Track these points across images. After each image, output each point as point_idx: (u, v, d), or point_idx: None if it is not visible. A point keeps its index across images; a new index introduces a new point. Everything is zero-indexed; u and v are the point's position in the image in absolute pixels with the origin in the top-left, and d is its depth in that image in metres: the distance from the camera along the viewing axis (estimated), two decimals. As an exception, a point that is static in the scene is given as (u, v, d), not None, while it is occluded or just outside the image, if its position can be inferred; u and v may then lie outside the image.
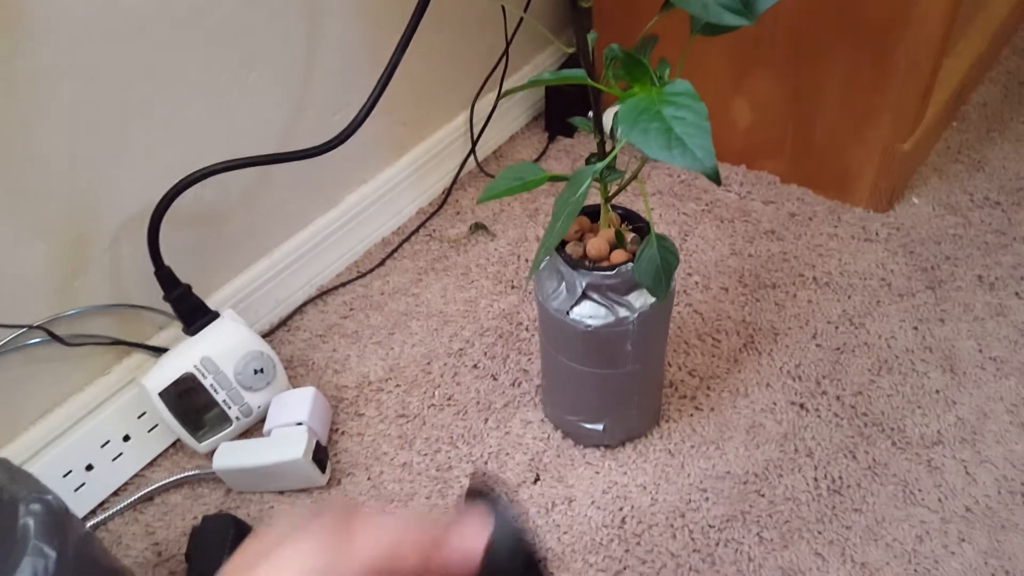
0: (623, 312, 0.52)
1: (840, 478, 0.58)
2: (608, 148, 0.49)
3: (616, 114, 0.47)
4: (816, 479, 0.58)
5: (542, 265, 0.54)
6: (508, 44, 0.82)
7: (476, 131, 0.87)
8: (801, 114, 0.78)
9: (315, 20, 0.66)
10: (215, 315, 0.62)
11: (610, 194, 0.52)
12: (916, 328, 0.68)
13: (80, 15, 0.51)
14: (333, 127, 0.69)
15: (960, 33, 0.87)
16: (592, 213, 0.55)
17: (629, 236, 0.54)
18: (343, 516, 0.22)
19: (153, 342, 0.65)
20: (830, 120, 0.76)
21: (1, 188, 0.51)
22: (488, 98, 0.87)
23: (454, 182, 0.87)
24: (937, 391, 0.64)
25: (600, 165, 0.40)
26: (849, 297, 0.71)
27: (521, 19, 0.80)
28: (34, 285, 0.56)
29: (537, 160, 0.90)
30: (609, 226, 0.54)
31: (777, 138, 0.81)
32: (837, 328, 0.69)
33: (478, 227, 0.82)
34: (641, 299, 0.52)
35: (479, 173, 0.89)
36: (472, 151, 0.87)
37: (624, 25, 0.82)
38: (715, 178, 0.30)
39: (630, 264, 0.51)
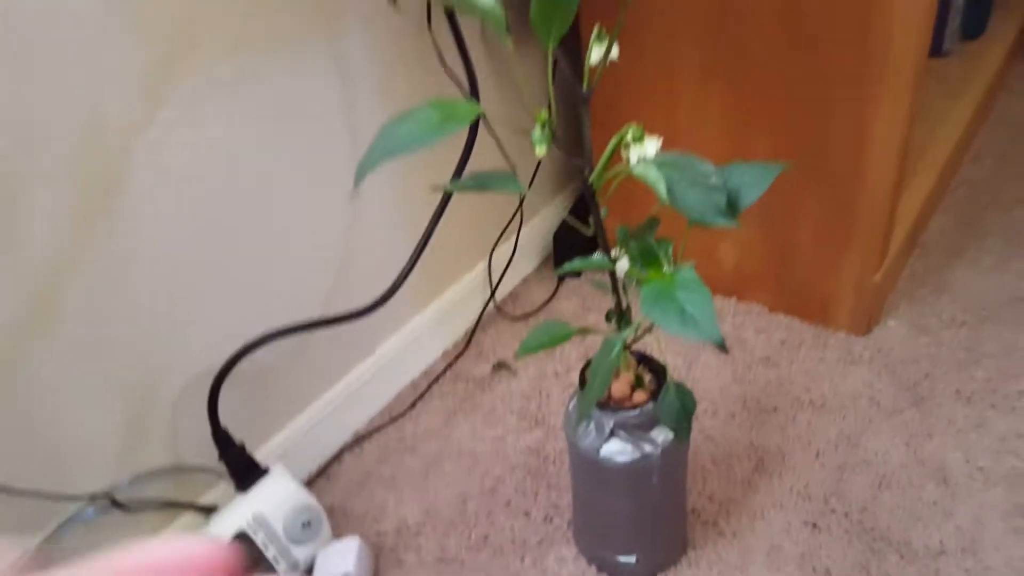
0: (648, 447, 0.58)
1: (858, 593, 0.63)
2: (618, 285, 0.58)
3: (617, 231, 0.56)
4: (836, 595, 0.63)
5: (572, 407, 0.61)
6: (521, 202, 0.93)
7: (495, 277, 0.97)
8: (780, 253, 0.88)
9: (357, 198, 0.77)
10: (265, 470, 0.68)
11: (628, 342, 0.60)
12: (907, 444, 0.75)
13: (170, 188, 0.61)
14: (371, 284, 0.78)
15: (911, 172, 1.00)
16: (611, 359, 0.63)
17: (647, 377, 0.61)
18: None
19: (204, 500, 0.70)
20: (806, 258, 0.86)
21: (83, 354, 0.59)
22: (502, 248, 0.98)
23: (476, 324, 0.95)
24: (934, 502, 0.69)
25: (625, 333, 0.48)
26: (844, 417, 0.78)
27: (532, 178, 0.92)
28: (101, 451, 0.62)
29: (549, 300, 0.99)
30: (629, 369, 0.62)
31: (761, 274, 0.91)
32: (837, 447, 0.75)
33: (501, 366, 0.90)
34: (663, 435, 0.59)
35: (497, 314, 0.98)
36: (492, 297, 0.96)
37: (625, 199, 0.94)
38: (722, 347, 0.38)
39: (651, 403, 0.58)
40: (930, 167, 1.02)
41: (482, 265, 0.96)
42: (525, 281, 1.03)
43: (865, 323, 0.87)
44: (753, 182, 0.45)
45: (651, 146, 0.48)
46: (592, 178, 0.50)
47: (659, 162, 0.44)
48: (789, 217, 0.85)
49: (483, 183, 0.52)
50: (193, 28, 0.58)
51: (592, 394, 0.47)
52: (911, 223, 0.94)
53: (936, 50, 1.26)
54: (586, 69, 0.48)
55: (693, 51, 0.81)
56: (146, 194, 0.59)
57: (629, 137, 0.48)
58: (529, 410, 0.84)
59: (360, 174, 0.39)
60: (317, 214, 0.73)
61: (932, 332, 0.87)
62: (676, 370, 0.86)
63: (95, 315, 0.58)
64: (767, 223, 0.87)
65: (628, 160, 0.48)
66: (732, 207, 0.44)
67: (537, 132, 0.43)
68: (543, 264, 1.06)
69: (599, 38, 0.46)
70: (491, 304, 0.97)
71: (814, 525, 0.68)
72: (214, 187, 0.63)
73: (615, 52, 0.47)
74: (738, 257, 0.91)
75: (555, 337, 0.57)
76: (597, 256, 0.47)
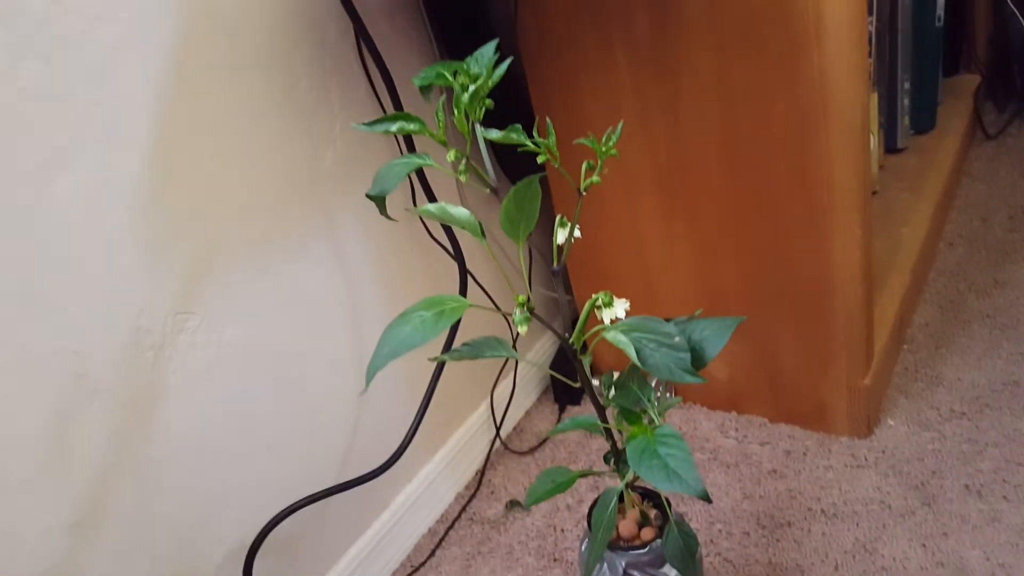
0: (661, 584, 0.61)
1: None
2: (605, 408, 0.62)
3: (603, 379, 0.62)
4: None
5: (584, 548, 0.65)
6: (514, 342, 1.00)
7: (498, 415, 1.02)
8: (769, 368, 0.93)
9: (362, 358, 0.83)
10: (298, 639, 0.71)
11: (629, 481, 0.65)
12: (924, 545, 0.77)
13: (197, 385, 0.67)
14: (381, 442, 0.83)
15: (887, 271, 1.07)
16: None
17: (652, 513, 0.65)
18: None
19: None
20: (794, 368, 0.92)
21: (131, 546, 0.63)
22: (502, 385, 1.03)
23: (486, 463, 0.99)
24: (960, 606, 0.71)
25: (619, 489, 0.53)
26: (857, 524, 0.81)
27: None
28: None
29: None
30: (633, 506, 0.66)
31: (756, 388, 0.96)
32: (854, 557, 0.78)
33: (513, 504, 0.93)
34: (674, 569, 0.62)
35: (505, 451, 1.02)
36: (497, 434, 1.01)
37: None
38: (706, 498, 0.43)
39: (658, 540, 0.61)
40: (904, 264, 1.09)
41: (484, 405, 1.01)
42: (528, 414, 1.08)
43: (865, 425, 0.91)
44: (714, 336, 0.51)
45: (620, 308, 0.55)
46: (572, 339, 0.56)
47: (627, 327, 0.51)
48: (770, 334, 0.91)
49: (477, 352, 0.58)
50: (212, 245, 0.67)
51: (598, 547, 0.52)
52: (893, 321, 0.99)
53: (891, 148, 1.37)
54: (554, 249, 0.55)
55: (653, 200, 0.90)
56: (177, 394, 0.66)
57: (600, 302, 0.55)
58: (546, 548, 0.86)
59: (370, 376, 0.46)
60: (327, 387, 0.80)
61: (933, 427, 0.91)
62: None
63: (139, 509, 0.64)
64: (752, 341, 0.93)
65: (602, 320, 0.55)
66: (698, 360, 0.50)
67: (517, 314, 0.49)
68: (543, 395, 1.11)
69: (562, 224, 0.54)
70: (498, 442, 1.01)
71: (841, 644, 0.70)
72: (235, 378, 0.70)
73: (577, 232, 0.55)
74: (730, 373, 0.96)
75: (560, 485, 0.62)
76: (584, 418, 0.53)
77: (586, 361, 0.59)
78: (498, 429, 1.01)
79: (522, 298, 0.50)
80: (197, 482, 0.68)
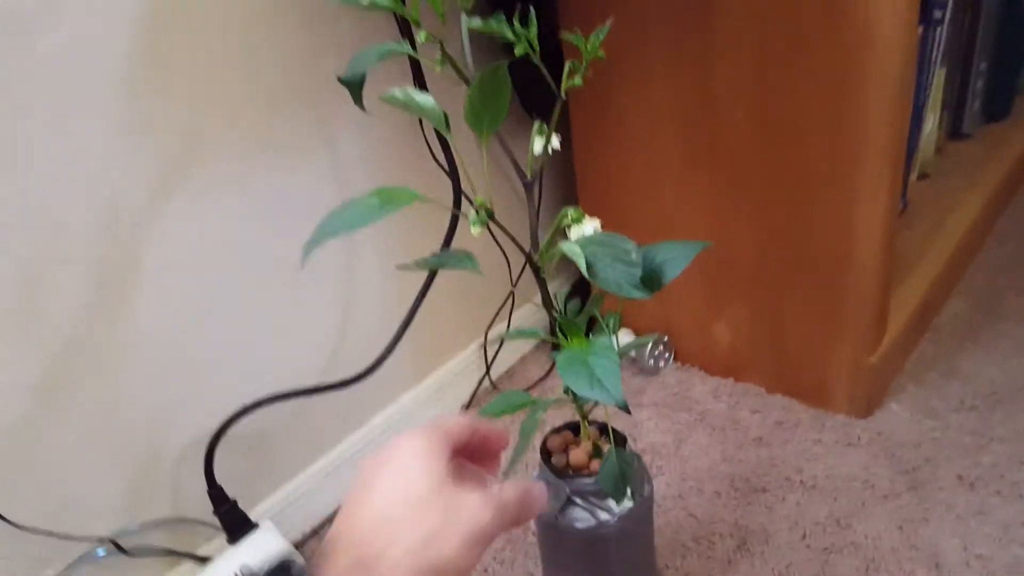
0: (603, 515, 0.63)
1: None
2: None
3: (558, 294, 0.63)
4: None
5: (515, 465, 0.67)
6: (514, 285, 1.01)
7: (491, 355, 1.04)
8: (773, 336, 0.93)
9: (351, 271, 0.86)
10: (254, 526, 0.75)
11: (586, 413, 0.66)
12: (901, 528, 0.77)
13: (175, 274, 0.71)
14: (367, 355, 0.86)
15: (920, 256, 1.04)
16: (576, 428, 0.69)
17: (606, 447, 0.67)
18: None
19: (201, 551, 0.77)
20: (799, 340, 0.91)
21: (95, 418, 0.68)
22: (498, 327, 1.05)
23: (470, 401, 1.02)
24: (925, 591, 0.70)
25: (549, 401, 0.55)
26: (835, 499, 0.81)
27: (524, 265, 1.00)
28: (108, 501, 0.70)
29: (544, 378, 1.05)
30: (589, 439, 0.67)
31: (757, 355, 0.95)
32: (825, 529, 0.78)
33: (492, 441, 0.96)
34: (621, 504, 0.64)
35: (493, 391, 1.04)
36: (487, 373, 1.03)
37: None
38: (624, 408, 0.44)
39: (607, 472, 0.63)
40: (941, 251, 1.06)
41: (478, 342, 1.03)
42: (523, 359, 1.10)
43: (865, 406, 0.90)
44: (676, 258, 0.52)
45: (589, 226, 0.56)
46: (538, 256, 0.58)
47: (585, 241, 0.52)
48: (779, 300, 0.90)
49: (442, 262, 0.61)
50: (199, 133, 0.69)
51: (518, 453, 0.55)
52: (915, 307, 0.97)
53: (955, 133, 1.32)
54: (529, 159, 0.56)
55: (674, 144, 0.90)
56: (152, 279, 0.69)
57: (569, 218, 0.56)
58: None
59: (306, 251, 0.47)
60: (313, 295, 0.83)
61: (938, 416, 0.89)
62: (664, 448, 0.90)
63: (106, 383, 0.68)
64: (759, 306, 0.92)
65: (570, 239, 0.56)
66: (656, 281, 0.51)
67: (473, 215, 0.51)
68: (543, 342, 1.13)
69: (540, 132, 0.55)
70: (488, 381, 1.04)
71: (791, 609, 0.70)
72: (215, 273, 0.73)
73: (556, 142, 0.56)
74: (732, 337, 0.96)
75: (513, 405, 0.64)
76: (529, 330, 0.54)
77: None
78: (488, 368, 1.04)
79: (480, 199, 0.52)
80: (167, 366, 0.72)
